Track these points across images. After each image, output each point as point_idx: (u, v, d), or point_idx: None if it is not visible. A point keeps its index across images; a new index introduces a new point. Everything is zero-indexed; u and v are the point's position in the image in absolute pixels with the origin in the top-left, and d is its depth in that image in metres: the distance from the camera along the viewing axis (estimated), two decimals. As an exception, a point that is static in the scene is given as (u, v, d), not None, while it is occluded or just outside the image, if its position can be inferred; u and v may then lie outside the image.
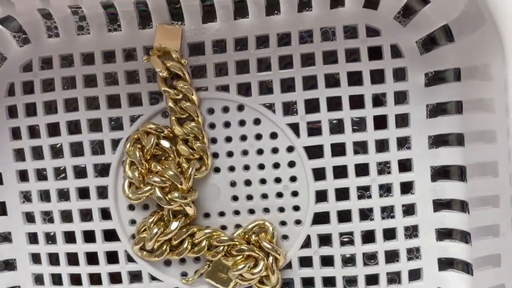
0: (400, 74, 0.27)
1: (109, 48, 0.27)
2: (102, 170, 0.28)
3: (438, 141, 0.27)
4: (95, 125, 0.28)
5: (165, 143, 0.27)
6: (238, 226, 0.28)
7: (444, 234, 0.27)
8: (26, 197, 0.29)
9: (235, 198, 0.28)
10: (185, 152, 0.27)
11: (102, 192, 0.28)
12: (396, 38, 0.26)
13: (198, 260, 0.28)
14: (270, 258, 0.27)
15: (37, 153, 0.28)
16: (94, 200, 0.28)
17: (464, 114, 0.26)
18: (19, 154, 0.28)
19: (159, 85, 0.27)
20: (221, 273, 0.27)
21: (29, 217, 0.29)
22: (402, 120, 0.27)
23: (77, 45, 0.27)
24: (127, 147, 0.27)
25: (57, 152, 0.28)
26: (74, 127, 0.28)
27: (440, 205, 0.27)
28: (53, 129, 0.28)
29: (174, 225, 0.27)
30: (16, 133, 0.28)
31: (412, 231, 0.28)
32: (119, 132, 0.28)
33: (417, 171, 0.27)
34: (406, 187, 0.27)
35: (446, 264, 0.28)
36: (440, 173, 0.27)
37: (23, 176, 0.28)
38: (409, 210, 0.28)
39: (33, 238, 0.29)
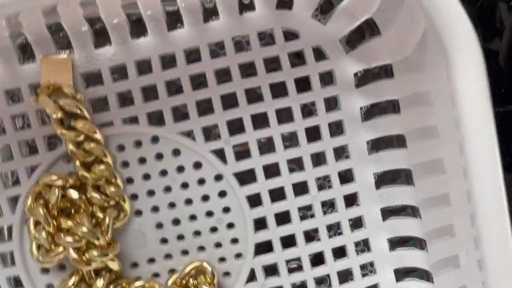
0: (327, 78, 0.25)
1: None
2: (2, 234, 0.25)
3: (379, 144, 0.26)
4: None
5: (73, 194, 0.24)
6: (172, 271, 0.26)
7: (397, 242, 0.27)
8: None
9: (164, 240, 0.26)
10: (97, 200, 0.25)
11: (7, 259, 0.26)
12: (317, 38, 0.25)
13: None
14: (217, 304, 0.25)
15: None
16: (0, 268, 0.25)
17: (402, 113, 0.25)
18: None
19: (54, 128, 0.24)
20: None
21: None
22: (337, 128, 0.26)
23: None
24: (27, 205, 0.24)
25: None
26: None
27: (390, 212, 0.27)
28: None
29: (99, 283, 0.25)
30: None
31: (363, 246, 0.27)
32: (16, 188, 0.25)
33: (359, 181, 0.26)
34: (350, 200, 0.27)
35: (403, 273, 0.27)
36: (385, 179, 0.27)
37: None
38: (357, 223, 0.27)
39: None
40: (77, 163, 0.24)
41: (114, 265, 0.25)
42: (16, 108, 0.24)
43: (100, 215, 0.25)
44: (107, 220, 0.24)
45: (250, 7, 0.25)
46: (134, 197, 0.26)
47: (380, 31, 0.24)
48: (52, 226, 0.24)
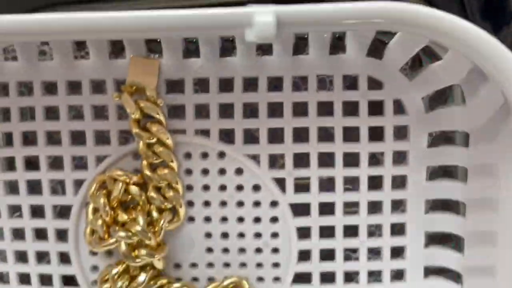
0: (401, 132, 0.30)
1: (74, 78, 0.30)
2: (62, 211, 0.32)
3: (437, 205, 0.31)
4: (55, 163, 0.31)
5: (135, 190, 0.30)
6: (211, 279, 0.32)
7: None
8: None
9: (209, 250, 0.32)
10: (156, 201, 0.30)
11: (61, 235, 0.32)
12: (400, 92, 0.30)
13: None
14: (245, 318, 0.31)
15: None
16: (52, 242, 0.32)
17: (468, 181, 0.30)
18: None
19: (131, 127, 0.30)
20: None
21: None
22: (400, 182, 0.31)
23: (38, 72, 0.30)
24: (91, 191, 0.30)
25: (11, 188, 0.32)
26: (30, 164, 0.31)
27: (432, 272, 0.32)
28: (8, 164, 0.31)
29: (142, 277, 0.31)
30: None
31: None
32: (83, 173, 0.31)
33: (410, 236, 0.31)
34: (397, 252, 0.32)
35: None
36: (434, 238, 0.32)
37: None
38: (398, 275, 0.32)
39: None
40: (144, 162, 0.30)
41: (159, 264, 0.31)
42: (98, 98, 0.30)
43: (155, 214, 0.31)
44: (161, 222, 0.30)
45: (341, 48, 0.29)
46: (190, 203, 0.31)
47: (465, 99, 0.29)
48: (109, 217, 0.30)
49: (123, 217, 0.30)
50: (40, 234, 0.32)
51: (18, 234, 0.32)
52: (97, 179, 0.30)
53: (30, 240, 0.32)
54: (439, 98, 0.30)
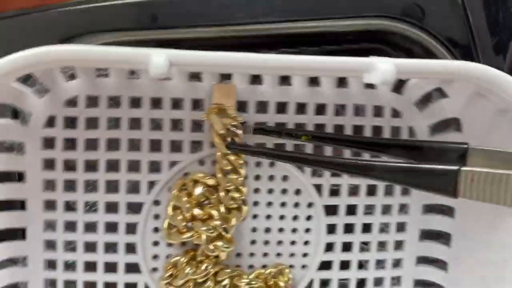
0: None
1: (157, 96, 0.38)
2: (133, 208, 0.39)
3: (432, 209, 0.43)
4: (133, 166, 0.39)
5: (210, 192, 0.39)
6: (251, 266, 0.41)
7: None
8: (50, 225, 0.39)
9: (253, 242, 0.41)
10: (226, 201, 0.39)
11: (131, 228, 0.40)
12: (413, 121, 0.41)
13: (208, 295, 0.42)
14: (284, 299, 0.41)
15: (69, 185, 0.38)
16: (122, 235, 0.39)
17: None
18: (49, 184, 0.38)
19: (215, 140, 0.38)
20: (237, 309, 0.41)
21: (50, 244, 0.39)
22: (406, 190, 0.42)
23: (126, 89, 0.37)
24: (173, 193, 0.38)
25: (89, 186, 0.39)
26: (110, 166, 0.39)
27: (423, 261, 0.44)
28: (89, 165, 0.38)
29: (204, 266, 0.40)
30: (48, 164, 0.38)
31: (396, 281, 0.44)
32: (157, 175, 0.39)
33: (409, 233, 0.43)
34: (398, 244, 0.43)
35: None
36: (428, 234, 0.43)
37: (50, 205, 0.39)
38: (397, 263, 0.43)
39: (51, 264, 0.39)
40: (218, 167, 0.39)
41: (224, 255, 0.40)
42: (176, 114, 0.38)
43: (222, 210, 0.39)
44: (233, 220, 0.39)
45: (371, 86, 0.40)
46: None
47: (461, 129, 0.41)
48: (189, 213, 0.38)
49: (200, 214, 0.39)
50: (111, 227, 0.39)
51: (90, 227, 0.39)
52: (179, 183, 0.39)
53: (102, 232, 0.39)
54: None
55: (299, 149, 0.40)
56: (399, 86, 0.40)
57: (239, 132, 0.38)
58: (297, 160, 0.37)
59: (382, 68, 0.30)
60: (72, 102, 0.37)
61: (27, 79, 0.36)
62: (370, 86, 0.40)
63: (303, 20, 0.39)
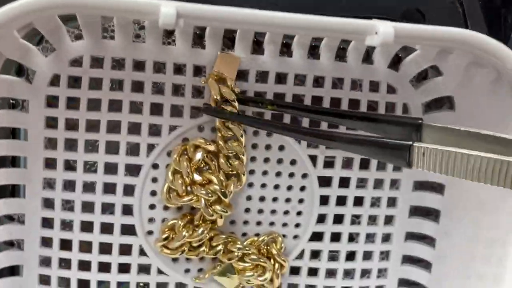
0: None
1: (161, 60, 0.39)
2: (131, 170, 0.40)
3: (422, 185, 0.44)
4: (134, 128, 0.40)
5: (211, 158, 0.40)
6: (244, 234, 0.42)
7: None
8: (49, 184, 0.40)
9: (247, 210, 0.42)
10: (225, 168, 0.40)
11: (128, 190, 0.40)
12: (407, 98, 0.42)
13: (202, 260, 0.42)
14: (276, 265, 0.42)
15: (70, 145, 0.39)
16: (120, 196, 0.40)
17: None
18: (50, 143, 0.39)
19: (211, 105, 0.39)
20: (229, 274, 0.42)
21: (48, 203, 0.40)
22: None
23: (130, 51, 0.38)
24: (174, 157, 0.39)
25: (90, 147, 0.39)
26: (112, 127, 0.39)
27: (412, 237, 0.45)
28: (91, 125, 0.39)
29: (201, 229, 0.40)
30: (50, 122, 0.39)
31: (385, 255, 0.45)
32: (157, 138, 0.40)
33: (399, 208, 0.44)
34: (388, 219, 0.44)
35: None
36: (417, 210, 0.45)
37: (49, 164, 0.39)
38: (386, 238, 0.44)
39: (47, 222, 0.40)
40: (219, 134, 0.39)
41: (220, 221, 0.40)
42: (178, 79, 0.39)
43: (222, 178, 0.40)
44: (232, 186, 0.40)
45: (370, 60, 0.41)
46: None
47: (454, 107, 0.42)
48: (189, 178, 0.39)
49: (199, 178, 0.39)
50: (109, 188, 0.40)
51: (88, 188, 0.40)
52: (180, 148, 0.39)
53: (100, 193, 0.40)
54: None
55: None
56: (395, 62, 0.41)
57: (234, 101, 0.39)
58: (260, 124, 0.40)
59: (382, 30, 0.31)
60: (77, 62, 0.38)
61: (33, 37, 0.37)
62: (367, 61, 0.41)
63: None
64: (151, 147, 0.40)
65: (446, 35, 0.33)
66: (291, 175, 0.42)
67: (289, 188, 0.42)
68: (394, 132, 0.35)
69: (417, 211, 0.44)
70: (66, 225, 0.40)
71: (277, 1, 0.40)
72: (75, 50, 0.38)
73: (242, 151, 0.40)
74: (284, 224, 0.43)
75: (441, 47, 0.35)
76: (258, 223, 0.42)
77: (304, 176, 0.42)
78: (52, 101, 0.38)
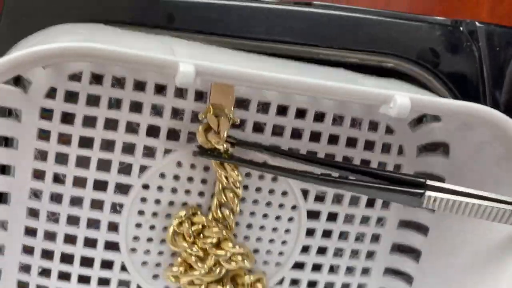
0: (396, 168, 0.43)
1: (162, 82, 0.38)
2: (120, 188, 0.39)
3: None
4: (128, 148, 0.39)
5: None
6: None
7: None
8: (36, 194, 0.39)
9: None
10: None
11: (116, 208, 0.40)
12: (404, 140, 0.42)
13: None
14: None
15: (61, 159, 0.38)
16: (107, 213, 0.39)
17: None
18: (40, 155, 0.38)
19: (210, 137, 0.37)
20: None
21: (33, 213, 0.39)
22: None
23: (132, 71, 0.37)
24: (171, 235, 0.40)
25: (81, 162, 0.38)
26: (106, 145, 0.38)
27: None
28: (84, 142, 0.38)
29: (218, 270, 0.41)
30: (42, 135, 0.37)
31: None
32: (150, 160, 0.39)
33: (382, 244, 0.44)
34: (370, 254, 0.44)
35: None
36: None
37: (37, 176, 0.38)
38: (366, 272, 0.45)
39: (31, 232, 0.39)
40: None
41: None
42: (178, 103, 0.38)
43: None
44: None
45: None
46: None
47: (448, 155, 0.42)
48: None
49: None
50: (96, 205, 0.39)
51: (76, 202, 0.39)
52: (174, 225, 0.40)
53: (87, 208, 0.39)
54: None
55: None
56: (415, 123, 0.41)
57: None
58: (263, 168, 0.39)
59: (399, 102, 0.31)
60: (75, 77, 0.36)
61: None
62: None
63: (323, 47, 0.40)
64: (143, 168, 0.39)
65: (463, 109, 0.32)
66: (281, 206, 0.42)
67: (278, 218, 0.42)
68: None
69: (399, 248, 0.45)
70: (50, 236, 0.39)
71: (292, 31, 0.39)
72: (75, 65, 0.36)
73: (238, 193, 0.39)
74: (268, 251, 0.43)
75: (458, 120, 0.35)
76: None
77: (294, 207, 0.42)
78: (45, 114, 0.37)
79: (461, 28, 0.43)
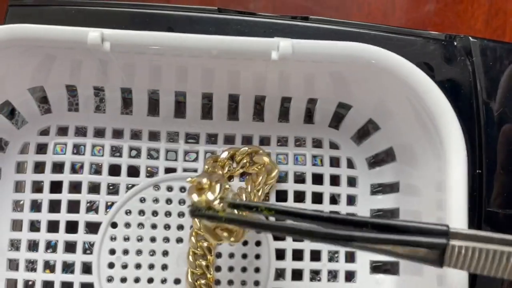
0: (351, 182, 0.45)
1: (119, 127, 0.44)
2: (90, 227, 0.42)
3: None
4: (93, 188, 0.43)
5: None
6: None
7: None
8: (13, 244, 0.42)
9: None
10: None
11: (87, 248, 0.42)
12: (351, 154, 0.45)
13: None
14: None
15: (36, 206, 0.42)
16: (79, 254, 0.42)
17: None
18: (16, 205, 0.42)
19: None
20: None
21: (12, 264, 0.42)
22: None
23: (92, 120, 0.43)
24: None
25: (54, 207, 0.43)
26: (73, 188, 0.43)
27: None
28: (55, 187, 0.43)
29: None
30: (18, 187, 0.43)
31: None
32: (114, 196, 0.43)
33: (359, 263, 0.44)
34: (350, 276, 0.44)
35: None
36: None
37: (15, 224, 0.42)
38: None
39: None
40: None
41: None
42: (134, 143, 0.43)
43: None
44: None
45: (311, 121, 0.45)
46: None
47: (396, 159, 0.44)
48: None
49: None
50: (69, 246, 0.42)
51: (50, 246, 0.42)
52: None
53: (61, 251, 0.42)
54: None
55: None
56: (337, 122, 0.45)
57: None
58: (267, 227, 0.35)
59: (281, 44, 0.36)
60: (44, 131, 0.43)
61: (10, 114, 0.43)
62: (309, 121, 0.44)
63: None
64: (110, 206, 0.42)
65: (340, 48, 0.36)
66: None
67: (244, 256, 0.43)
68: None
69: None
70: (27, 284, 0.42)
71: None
72: (44, 122, 0.43)
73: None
74: (243, 283, 0.43)
75: (337, 61, 0.37)
76: (217, 282, 0.43)
77: (258, 244, 0.43)
78: (21, 166, 0.43)
79: (455, 43, 0.43)
